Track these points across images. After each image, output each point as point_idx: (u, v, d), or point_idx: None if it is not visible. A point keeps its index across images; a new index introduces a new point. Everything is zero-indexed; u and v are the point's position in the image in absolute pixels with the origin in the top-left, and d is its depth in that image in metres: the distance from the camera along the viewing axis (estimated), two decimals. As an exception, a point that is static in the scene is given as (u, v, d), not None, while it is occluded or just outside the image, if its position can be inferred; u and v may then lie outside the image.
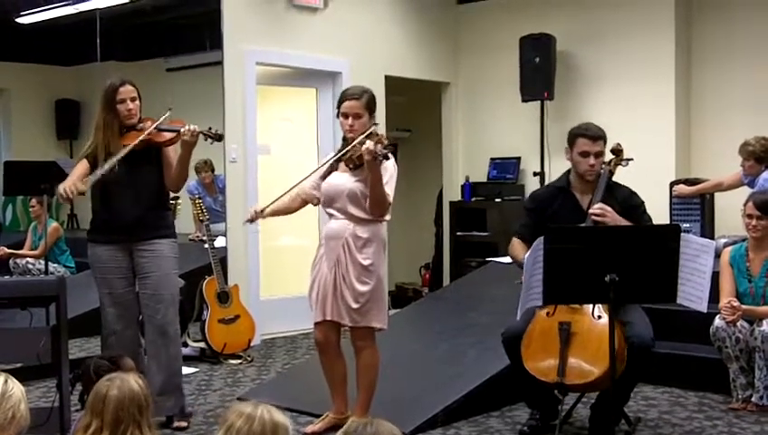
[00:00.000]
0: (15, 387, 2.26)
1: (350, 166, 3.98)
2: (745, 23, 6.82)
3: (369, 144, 3.74)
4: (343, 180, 4.02)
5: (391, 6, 7.55)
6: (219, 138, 4.24)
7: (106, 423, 2.34)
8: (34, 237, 6.76)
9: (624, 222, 3.90)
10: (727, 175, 5.94)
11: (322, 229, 4.15)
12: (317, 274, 4.08)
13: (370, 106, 4.06)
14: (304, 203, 4.24)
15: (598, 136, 4.05)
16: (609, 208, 3.91)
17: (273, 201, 4.20)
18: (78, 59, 6.82)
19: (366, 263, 3.96)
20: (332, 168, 4.11)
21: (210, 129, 4.18)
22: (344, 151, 4.00)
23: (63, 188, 4.04)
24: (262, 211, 4.18)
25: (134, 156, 4.15)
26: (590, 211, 3.92)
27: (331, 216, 4.08)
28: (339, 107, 4.08)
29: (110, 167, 4.05)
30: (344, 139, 4.13)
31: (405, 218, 8.44)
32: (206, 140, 4.18)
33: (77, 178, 4.09)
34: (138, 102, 4.23)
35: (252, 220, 4.25)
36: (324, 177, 4.12)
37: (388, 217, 4.07)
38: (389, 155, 3.79)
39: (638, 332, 3.76)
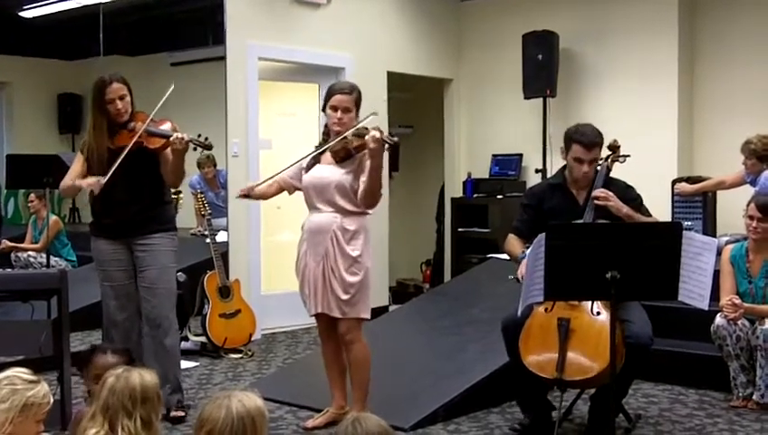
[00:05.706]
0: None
1: (338, 158, 4.01)
2: (749, 21, 6.80)
3: (375, 133, 3.78)
4: (329, 172, 4.04)
5: (394, 2, 7.54)
6: (208, 147, 4.18)
7: (100, 408, 2.41)
8: (34, 231, 6.78)
9: (626, 208, 3.91)
10: (729, 173, 5.94)
11: (305, 224, 4.13)
12: (304, 269, 4.10)
13: (358, 102, 4.11)
14: (280, 190, 4.26)
15: (593, 143, 4.00)
16: (611, 193, 3.92)
17: (262, 182, 4.27)
18: (81, 53, 6.84)
19: (355, 254, 3.98)
20: (315, 160, 4.13)
21: (199, 136, 4.13)
22: (332, 144, 4.02)
23: (90, 186, 4.12)
24: (253, 188, 4.23)
25: (129, 154, 4.14)
26: (593, 194, 3.93)
27: (314, 209, 4.08)
28: (327, 100, 4.10)
29: (112, 172, 4.06)
30: (326, 132, 4.16)
31: (406, 214, 8.44)
32: (194, 149, 4.13)
33: (91, 179, 4.12)
34: (128, 99, 4.19)
35: (245, 196, 4.25)
36: (307, 169, 4.13)
37: (371, 211, 4.10)
38: (397, 142, 3.81)
39: (636, 331, 3.76)
